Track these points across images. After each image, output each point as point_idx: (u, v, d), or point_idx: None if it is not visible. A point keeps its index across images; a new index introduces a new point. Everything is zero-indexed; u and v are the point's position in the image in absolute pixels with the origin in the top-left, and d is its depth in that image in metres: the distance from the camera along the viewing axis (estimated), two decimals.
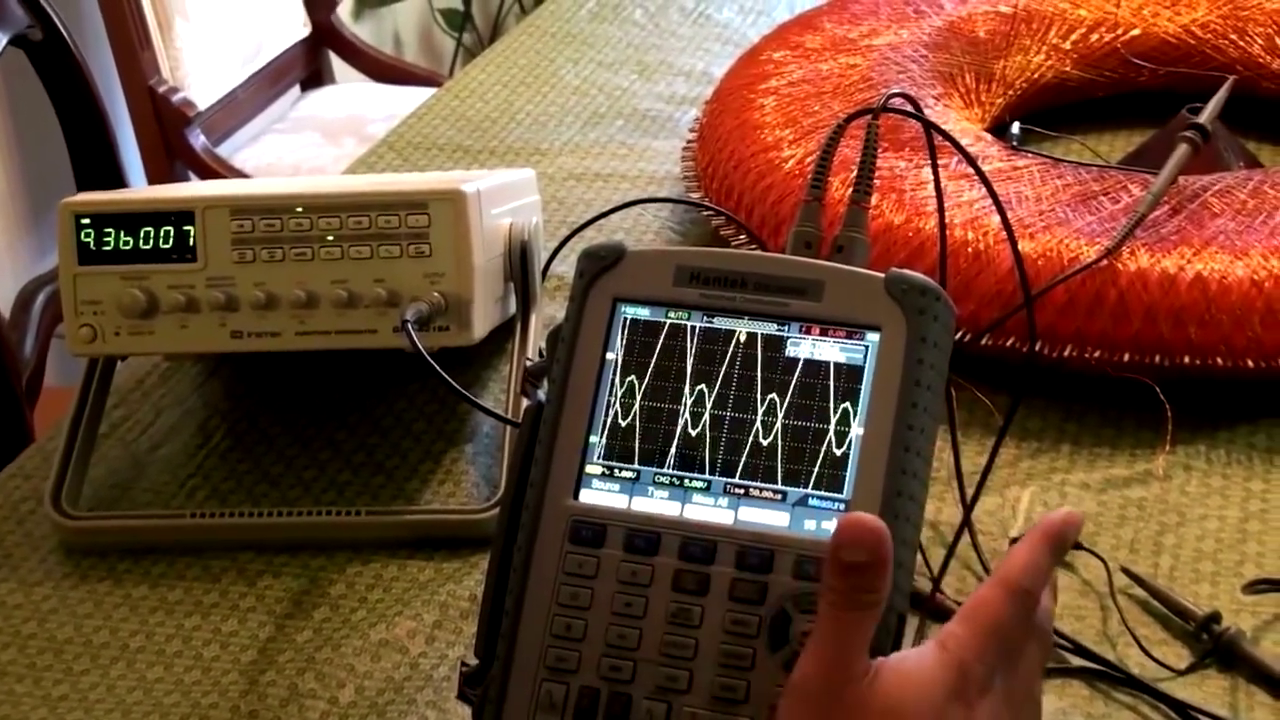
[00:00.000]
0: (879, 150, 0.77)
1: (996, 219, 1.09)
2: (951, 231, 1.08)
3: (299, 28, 2.67)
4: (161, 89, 2.30)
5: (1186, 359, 1.02)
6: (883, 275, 0.69)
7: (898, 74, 1.32)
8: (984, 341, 1.04)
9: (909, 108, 0.84)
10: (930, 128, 0.83)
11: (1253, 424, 1.04)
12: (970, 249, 1.07)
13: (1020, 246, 1.06)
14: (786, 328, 0.70)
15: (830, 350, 0.69)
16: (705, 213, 1.27)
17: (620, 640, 0.68)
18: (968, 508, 0.93)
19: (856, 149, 0.77)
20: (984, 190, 1.13)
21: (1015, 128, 1.29)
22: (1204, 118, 1.13)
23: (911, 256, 1.08)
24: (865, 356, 0.69)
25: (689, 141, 1.37)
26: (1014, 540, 0.95)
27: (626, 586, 0.68)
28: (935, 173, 0.90)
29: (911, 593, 0.74)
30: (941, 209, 0.89)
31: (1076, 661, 0.87)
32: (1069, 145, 1.37)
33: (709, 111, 1.36)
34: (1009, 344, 1.04)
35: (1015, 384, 0.94)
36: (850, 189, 0.74)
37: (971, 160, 0.83)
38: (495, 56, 1.72)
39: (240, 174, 2.39)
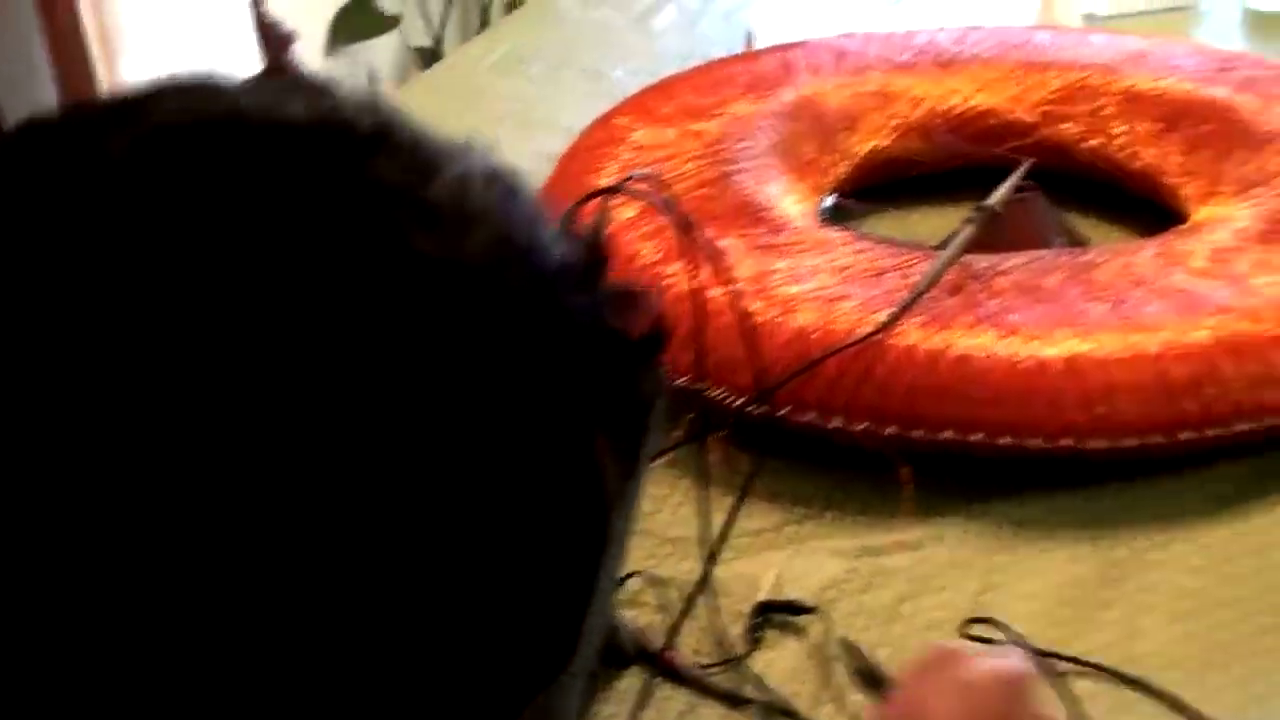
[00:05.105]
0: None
1: (786, 289, 1.13)
2: (739, 299, 1.11)
3: (257, 67, 2.72)
4: None
5: (946, 434, 1.05)
6: None
7: (736, 143, 1.36)
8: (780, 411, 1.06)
9: (648, 187, 0.88)
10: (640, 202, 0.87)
11: (1009, 497, 1.07)
12: (756, 317, 1.11)
13: (802, 318, 1.09)
14: None
15: None
16: None
17: None
18: (706, 568, 0.97)
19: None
20: (784, 263, 1.18)
21: (828, 201, 1.33)
22: (993, 200, 1.17)
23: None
24: None
25: None
26: (759, 604, 0.98)
27: None
28: (682, 244, 0.94)
29: (640, 649, 0.77)
30: (696, 277, 0.93)
31: None
32: (896, 218, 1.39)
33: (557, 171, 1.40)
34: (785, 413, 1.07)
35: (765, 448, 0.98)
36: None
37: (687, 228, 0.87)
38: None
39: None
